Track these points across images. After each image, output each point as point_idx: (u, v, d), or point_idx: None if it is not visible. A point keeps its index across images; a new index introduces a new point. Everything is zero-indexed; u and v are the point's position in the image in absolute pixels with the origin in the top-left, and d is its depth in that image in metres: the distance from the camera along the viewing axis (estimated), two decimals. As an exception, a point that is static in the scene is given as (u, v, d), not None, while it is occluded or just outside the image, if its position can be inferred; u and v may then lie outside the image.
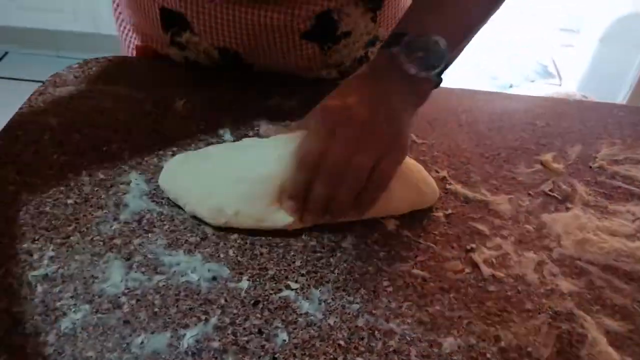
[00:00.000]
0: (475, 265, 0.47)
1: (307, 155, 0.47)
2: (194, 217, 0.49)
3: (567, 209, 0.53)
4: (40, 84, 0.63)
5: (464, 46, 0.54)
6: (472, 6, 0.54)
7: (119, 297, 0.42)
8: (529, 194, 0.54)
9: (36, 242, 0.46)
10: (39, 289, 0.42)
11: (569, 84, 2.35)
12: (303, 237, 0.48)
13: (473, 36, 0.55)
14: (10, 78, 2.25)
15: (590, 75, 2.23)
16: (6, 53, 2.37)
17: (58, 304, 0.41)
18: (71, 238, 0.46)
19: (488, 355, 0.40)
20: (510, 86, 2.35)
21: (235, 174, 0.49)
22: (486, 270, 0.46)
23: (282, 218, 0.48)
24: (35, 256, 0.45)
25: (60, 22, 2.12)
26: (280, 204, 0.48)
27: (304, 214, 0.48)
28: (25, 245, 0.45)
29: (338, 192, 0.46)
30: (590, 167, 0.58)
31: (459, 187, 0.54)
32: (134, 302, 0.42)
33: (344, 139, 0.46)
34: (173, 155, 0.54)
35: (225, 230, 0.48)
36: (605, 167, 0.58)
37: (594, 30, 2.21)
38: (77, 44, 2.30)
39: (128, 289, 0.43)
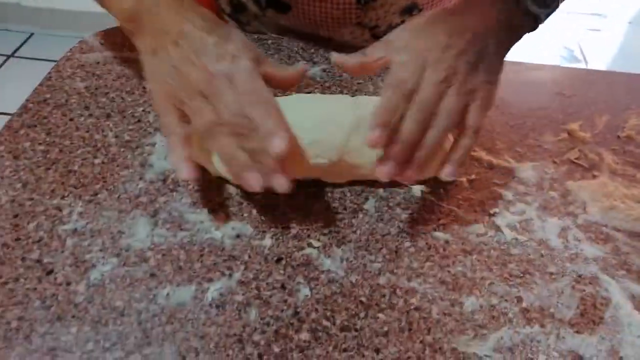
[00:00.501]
0: (498, 229, 0.47)
1: (401, 84, 0.43)
2: (219, 178, 0.49)
3: (594, 176, 0.52)
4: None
5: None
6: None
7: (145, 252, 0.43)
8: (555, 162, 0.53)
9: (65, 198, 0.47)
10: (69, 242, 0.44)
11: (597, 68, 2.30)
12: (325, 198, 0.48)
13: None
14: (36, 58, 2.29)
15: (618, 59, 2.18)
16: (32, 34, 2.41)
17: (87, 256, 0.43)
18: (99, 195, 0.47)
19: (510, 315, 0.40)
20: (535, 70, 2.30)
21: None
22: (509, 234, 0.46)
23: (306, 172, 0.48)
24: (65, 212, 0.46)
25: (82, 2, 2.15)
26: (366, 137, 0.43)
27: (390, 154, 0.43)
28: (55, 202, 0.47)
29: (427, 133, 0.43)
30: (619, 136, 0.57)
31: (483, 154, 0.53)
32: (159, 256, 0.43)
33: (436, 79, 0.43)
34: (197, 119, 0.55)
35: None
36: (634, 137, 0.57)
37: (624, 13, 2.16)
38: (98, 24, 2.32)
39: (154, 244, 0.44)
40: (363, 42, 0.69)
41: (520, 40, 0.49)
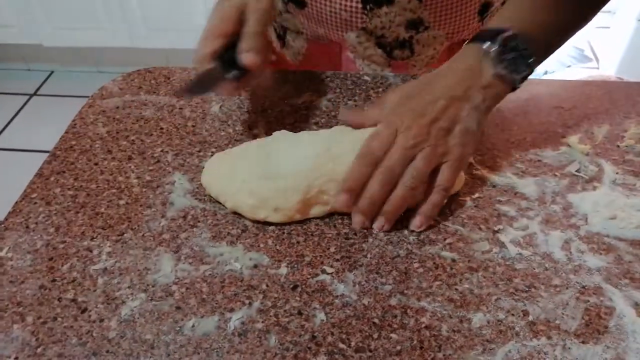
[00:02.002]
0: (502, 245, 0.49)
1: (367, 153, 0.50)
2: (235, 212, 0.52)
3: (595, 188, 0.54)
4: (84, 98, 0.69)
5: (543, 60, 0.56)
6: (563, 23, 0.56)
7: (170, 286, 0.46)
8: (555, 175, 0.55)
9: (95, 239, 0.51)
10: (100, 281, 0.47)
11: (607, 68, 2.29)
12: (336, 225, 0.51)
13: (551, 54, 0.57)
14: (58, 95, 2.38)
15: (629, 57, 2.17)
16: (52, 72, 2.51)
17: (117, 293, 0.46)
18: (125, 235, 0.51)
19: (517, 329, 0.42)
20: (545, 72, 2.31)
21: (271, 170, 0.52)
22: (513, 249, 0.48)
23: (319, 212, 0.51)
24: (95, 252, 0.49)
25: (99, 39, 2.24)
26: (336, 198, 0.50)
27: (353, 211, 0.50)
28: (85, 243, 0.50)
29: (394, 190, 0.49)
30: (618, 146, 0.58)
31: (485, 172, 0.56)
32: (184, 290, 0.46)
33: (404, 145, 0.49)
34: (212, 155, 0.58)
35: (263, 222, 0.51)
36: (634, 145, 0.58)
37: (632, 9, 2.15)
38: (116, 59, 2.41)
39: (178, 278, 0.47)
40: (368, 48, 0.73)
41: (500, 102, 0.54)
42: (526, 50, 0.51)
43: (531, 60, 0.52)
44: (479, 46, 0.52)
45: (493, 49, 0.51)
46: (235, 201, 0.52)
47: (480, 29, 0.55)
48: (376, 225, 0.50)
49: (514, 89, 0.53)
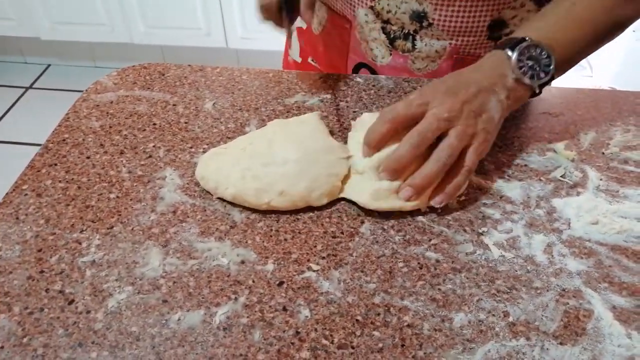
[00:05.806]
0: (486, 247, 0.49)
1: (392, 112, 0.52)
2: (225, 205, 0.53)
3: (578, 193, 0.55)
4: (80, 92, 0.69)
5: (567, 69, 0.59)
6: (590, 37, 0.58)
7: (158, 280, 0.47)
8: (541, 180, 0.56)
9: (84, 232, 0.51)
10: (88, 273, 0.47)
11: (602, 76, 2.31)
12: (324, 224, 0.52)
13: (575, 64, 0.60)
14: (54, 89, 2.38)
15: (624, 66, 2.19)
16: (49, 66, 2.50)
17: (105, 286, 0.46)
18: (114, 228, 0.51)
19: (497, 329, 0.43)
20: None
21: (273, 157, 0.53)
22: (496, 251, 0.49)
23: (320, 199, 0.52)
24: (84, 244, 0.50)
25: (97, 34, 2.23)
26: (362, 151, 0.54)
27: (380, 170, 0.52)
28: (74, 235, 0.51)
29: (427, 163, 0.51)
30: (603, 153, 0.59)
31: (472, 176, 0.56)
32: (171, 284, 0.47)
33: (438, 115, 0.51)
34: (204, 152, 0.59)
35: (252, 218, 0.52)
36: (618, 153, 0.59)
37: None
38: (113, 55, 2.41)
39: (166, 272, 0.48)
40: (373, 31, 0.74)
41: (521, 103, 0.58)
42: (547, 59, 0.54)
43: (550, 67, 0.55)
44: (502, 52, 0.55)
45: (513, 56, 0.54)
46: (239, 187, 0.52)
47: (506, 37, 0.58)
48: (404, 195, 0.51)
49: (534, 94, 0.56)
